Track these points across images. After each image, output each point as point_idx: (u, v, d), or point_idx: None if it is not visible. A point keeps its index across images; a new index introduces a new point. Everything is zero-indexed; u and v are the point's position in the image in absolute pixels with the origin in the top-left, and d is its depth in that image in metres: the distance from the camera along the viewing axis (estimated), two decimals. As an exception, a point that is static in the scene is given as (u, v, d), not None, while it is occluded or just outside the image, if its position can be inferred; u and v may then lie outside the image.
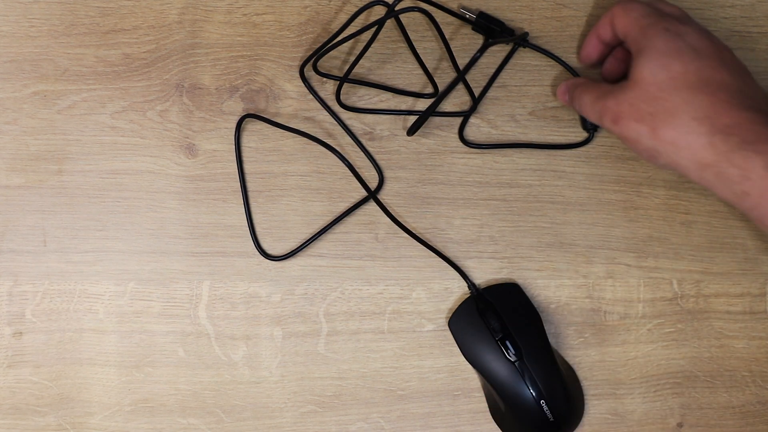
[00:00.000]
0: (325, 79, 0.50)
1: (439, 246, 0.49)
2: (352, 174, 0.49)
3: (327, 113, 0.50)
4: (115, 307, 0.49)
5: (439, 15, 0.49)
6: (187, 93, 0.50)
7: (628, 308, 0.49)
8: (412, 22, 0.50)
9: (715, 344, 0.49)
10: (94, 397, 0.49)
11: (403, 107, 0.50)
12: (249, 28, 0.50)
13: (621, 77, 0.47)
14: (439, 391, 0.49)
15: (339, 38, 0.48)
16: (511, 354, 0.46)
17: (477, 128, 0.50)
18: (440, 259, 0.49)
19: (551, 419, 0.46)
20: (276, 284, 0.49)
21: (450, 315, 0.49)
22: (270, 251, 0.49)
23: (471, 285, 0.49)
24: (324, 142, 0.49)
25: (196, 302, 0.49)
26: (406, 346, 0.49)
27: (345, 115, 0.50)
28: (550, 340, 0.48)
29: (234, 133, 0.49)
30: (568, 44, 0.50)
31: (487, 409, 0.49)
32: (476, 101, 0.49)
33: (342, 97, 0.49)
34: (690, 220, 0.50)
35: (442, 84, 0.50)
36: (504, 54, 0.50)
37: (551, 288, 0.50)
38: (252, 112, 0.50)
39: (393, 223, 0.49)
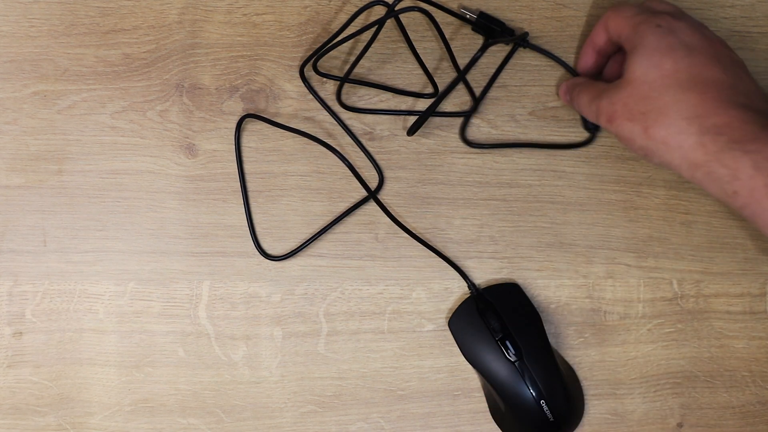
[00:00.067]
0: (325, 79, 0.50)
1: (439, 246, 0.49)
2: (352, 174, 0.49)
3: (327, 113, 0.50)
4: (115, 307, 0.49)
5: (438, 15, 0.49)
6: (187, 93, 0.50)
7: (628, 308, 0.49)
8: (412, 22, 0.50)
9: (715, 344, 0.49)
10: (94, 397, 0.49)
11: (403, 107, 0.50)
12: (249, 28, 0.50)
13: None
14: (439, 391, 0.49)
15: (339, 38, 0.48)
16: (511, 354, 0.46)
17: (477, 128, 0.50)
18: (440, 259, 0.49)
19: (551, 419, 0.46)
20: (276, 284, 0.49)
21: (450, 315, 0.49)
22: (270, 251, 0.49)
23: (471, 285, 0.49)
24: (324, 142, 0.49)
25: (196, 302, 0.49)
26: (406, 346, 0.49)
27: (345, 115, 0.50)
28: (550, 340, 0.48)
29: (234, 133, 0.49)
30: (568, 44, 0.50)
31: (487, 409, 0.49)
32: (477, 101, 0.49)
33: (342, 97, 0.49)
34: (690, 220, 0.50)
35: (442, 84, 0.50)
36: (504, 54, 0.50)
37: (551, 288, 0.50)
38: (252, 112, 0.50)
39: (393, 223, 0.49)
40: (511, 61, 0.50)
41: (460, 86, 0.50)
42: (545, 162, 0.50)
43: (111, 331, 0.49)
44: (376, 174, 0.50)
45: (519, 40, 0.49)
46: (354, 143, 0.50)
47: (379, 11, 0.50)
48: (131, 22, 0.50)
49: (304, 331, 0.49)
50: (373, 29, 0.47)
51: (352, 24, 0.49)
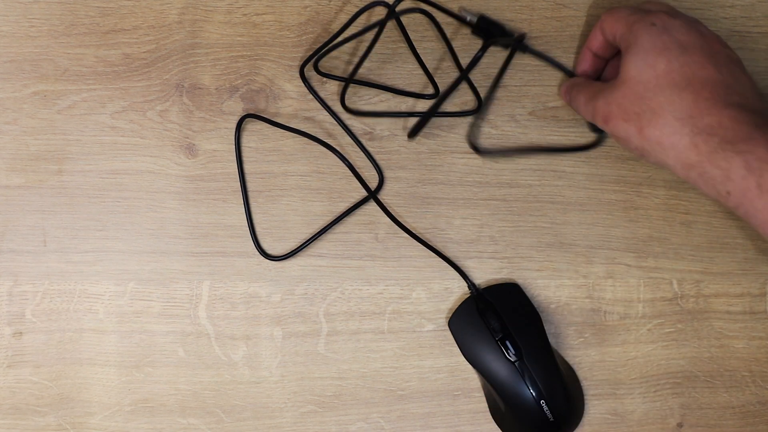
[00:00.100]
0: (325, 78, 0.50)
1: (439, 246, 0.49)
2: (352, 174, 0.49)
3: (327, 113, 0.50)
4: (115, 307, 0.49)
5: (439, 16, 0.49)
6: (187, 93, 0.50)
7: (628, 308, 0.49)
8: (412, 22, 0.50)
9: (715, 344, 0.49)
10: (94, 397, 0.49)
11: (403, 107, 0.50)
12: (249, 28, 0.50)
13: None
14: (439, 391, 0.49)
15: (339, 39, 0.48)
16: (511, 354, 0.46)
17: (477, 128, 0.50)
18: (440, 259, 0.49)
19: (551, 419, 0.46)
20: (276, 284, 0.49)
21: (450, 315, 0.49)
22: (270, 251, 0.49)
23: (471, 285, 0.49)
24: (324, 142, 0.49)
25: (196, 302, 0.49)
26: (406, 346, 0.49)
27: (345, 115, 0.50)
28: (550, 340, 0.48)
29: (234, 133, 0.49)
30: (568, 44, 0.50)
31: (487, 409, 0.49)
32: (480, 103, 0.49)
33: (344, 99, 0.49)
34: (690, 220, 0.50)
35: (442, 84, 0.50)
36: (504, 57, 0.50)
37: (551, 288, 0.50)
38: (252, 112, 0.50)
39: (393, 223, 0.49)
40: (512, 61, 0.50)
41: (461, 86, 0.50)
42: (545, 162, 0.50)
43: (111, 331, 0.49)
44: (376, 174, 0.50)
45: (516, 43, 0.49)
46: (354, 143, 0.50)
47: (379, 11, 0.50)
48: (131, 22, 0.50)
49: (304, 331, 0.49)
50: (373, 29, 0.47)
51: (353, 24, 0.49)
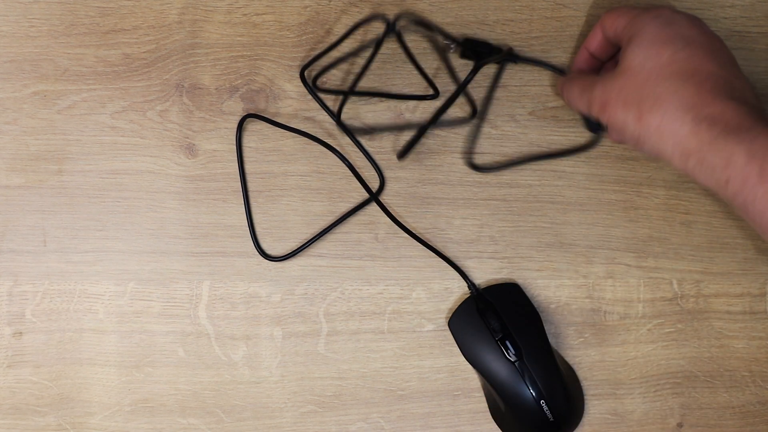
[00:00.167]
0: (325, 79, 0.50)
1: (439, 246, 0.49)
2: (352, 174, 0.49)
3: (327, 113, 0.50)
4: (115, 307, 0.49)
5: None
6: (187, 93, 0.50)
7: (628, 308, 0.49)
8: (405, 28, 0.50)
9: (715, 344, 0.49)
10: (94, 397, 0.49)
11: (403, 108, 0.50)
12: (249, 28, 0.50)
13: None
14: (439, 391, 0.49)
15: (338, 53, 0.48)
16: (511, 354, 0.46)
17: (477, 128, 0.50)
18: (440, 259, 0.49)
19: (551, 419, 0.46)
20: (276, 284, 0.49)
21: (450, 315, 0.49)
22: (270, 251, 0.49)
23: (471, 285, 0.49)
24: (324, 142, 0.49)
25: (196, 302, 0.49)
26: (406, 346, 0.49)
27: (345, 115, 0.50)
28: (550, 340, 0.48)
29: (235, 133, 0.49)
30: (568, 44, 0.50)
31: (487, 409, 0.49)
32: (474, 114, 0.49)
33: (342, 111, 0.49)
34: (690, 220, 0.50)
35: (441, 84, 0.50)
36: (494, 71, 0.50)
37: (551, 288, 0.50)
38: (252, 112, 0.50)
39: (393, 223, 0.49)
40: (507, 67, 0.50)
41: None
42: (545, 162, 0.50)
43: (111, 331, 0.49)
44: (376, 174, 0.50)
45: (506, 57, 0.49)
46: (354, 143, 0.50)
47: (367, 13, 0.50)
48: (131, 22, 0.50)
49: (304, 331, 0.49)
50: (364, 29, 0.47)
51: (352, 26, 0.49)
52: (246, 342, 0.49)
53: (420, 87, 0.50)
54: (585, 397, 0.49)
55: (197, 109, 0.50)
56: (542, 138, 0.50)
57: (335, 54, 0.49)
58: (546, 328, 0.48)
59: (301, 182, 0.50)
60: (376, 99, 0.50)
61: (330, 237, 0.50)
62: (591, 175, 0.50)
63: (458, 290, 0.50)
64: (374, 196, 0.49)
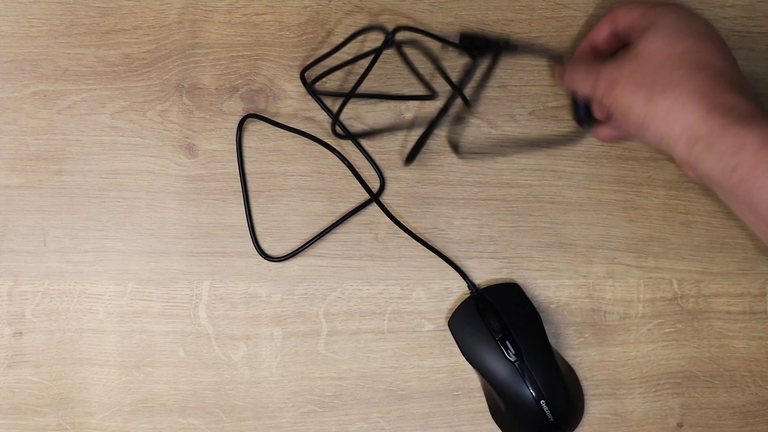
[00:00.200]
0: (325, 79, 0.50)
1: (439, 246, 0.49)
2: (352, 174, 0.49)
3: (327, 114, 0.50)
4: (115, 307, 0.49)
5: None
6: (187, 93, 0.50)
7: (628, 308, 0.49)
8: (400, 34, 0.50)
9: (715, 344, 0.49)
10: (94, 397, 0.49)
11: (403, 108, 0.50)
12: (249, 28, 0.50)
13: None
14: (439, 391, 0.49)
15: (337, 60, 0.48)
16: (511, 354, 0.46)
17: (477, 128, 0.50)
18: (440, 259, 0.49)
19: (551, 419, 0.46)
20: (276, 284, 0.49)
21: (450, 315, 0.49)
22: (270, 251, 0.49)
23: (471, 285, 0.49)
24: (324, 142, 0.49)
25: (196, 302, 0.49)
26: (406, 346, 0.49)
27: (345, 115, 0.50)
28: (550, 340, 0.48)
29: (235, 133, 0.49)
30: (568, 44, 0.50)
31: (487, 409, 0.49)
32: (467, 103, 0.49)
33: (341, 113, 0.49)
34: (690, 220, 0.50)
35: (439, 85, 0.50)
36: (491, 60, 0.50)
37: (551, 288, 0.50)
38: (252, 112, 0.50)
39: (393, 223, 0.49)
40: (511, 61, 0.50)
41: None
42: (545, 162, 0.50)
43: (111, 331, 0.49)
44: (376, 174, 0.50)
45: (504, 47, 0.49)
46: (354, 144, 0.50)
47: (360, 20, 0.50)
48: (131, 22, 0.50)
49: (304, 331, 0.49)
50: (359, 36, 0.47)
51: (349, 39, 0.49)
52: (246, 342, 0.49)
53: (420, 86, 0.50)
54: (585, 397, 0.49)
55: (197, 109, 0.50)
56: (542, 138, 0.50)
57: (334, 59, 0.49)
58: (546, 328, 0.48)
59: (301, 182, 0.50)
60: (375, 99, 0.50)
61: (330, 237, 0.50)
62: (591, 175, 0.50)
63: (458, 290, 0.50)
64: (374, 197, 0.49)
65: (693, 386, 0.49)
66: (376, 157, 0.50)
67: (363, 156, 0.50)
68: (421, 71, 0.50)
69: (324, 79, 0.49)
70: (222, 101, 0.50)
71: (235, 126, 0.49)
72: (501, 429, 0.49)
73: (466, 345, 0.48)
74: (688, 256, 0.49)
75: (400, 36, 0.49)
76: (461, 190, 0.50)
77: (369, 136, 0.50)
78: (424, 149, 0.50)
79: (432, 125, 0.48)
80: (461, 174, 0.50)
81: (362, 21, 0.50)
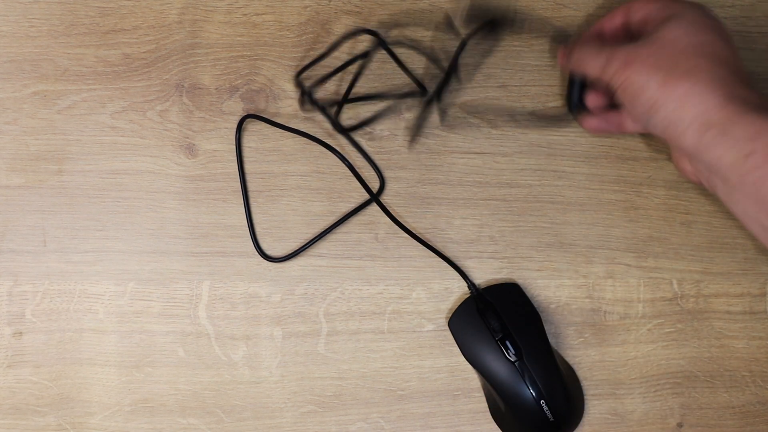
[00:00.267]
0: (324, 83, 0.50)
1: (439, 246, 0.49)
2: (352, 174, 0.49)
3: (325, 117, 0.50)
4: (115, 307, 0.49)
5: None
6: (187, 93, 0.50)
7: (628, 308, 0.49)
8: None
9: (715, 344, 0.49)
10: (94, 397, 0.49)
11: (402, 108, 0.50)
12: (249, 28, 0.50)
13: None
14: (439, 391, 0.49)
15: (329, 67, 0.48)
16: (511, 354, 0.46)
17: (477, 128, 0.50)
18: (440, 259, 0.49)
19: (551, 419, 0.46)
20: (276, 284, 0.49)
21: (450, 315, 0.49)
22: (270, 251, 0.49)
23: (471, 285, 0.49)
24: (324, 142, 0.49)
25: (196, 302, 0.49)
26: (406, 346, 0.49)
27: (344, 115, 0.50)
28: (550, 340, 0.48)
29: (235, 133, 0.49)
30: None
31: (487, 409, 0.49)
32: (456, 74, 0.49)
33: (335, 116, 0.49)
34: (690, 220, 0.50)
35: (436, 79, 0.50)
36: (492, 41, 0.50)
37: (551, 288, 0.50)
38: (252, 112, 0.50)
39: (393, 223, 0.49)
40: (511, 61, 0.50)
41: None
42: (545, 162, 0.50)
43: (111, 331, 0.49)
44: (376, 174, 0.50)
45: (510, 23, 0.49)
46: (354, 144, 0.50)
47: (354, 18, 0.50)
48: (131, 22, 0.50)
49: (304, 331, 0.49)
50: (350, 39, 0.47)
51: (339, 43, 0.49)
52: (246, 342, 0.49)
53: (418, 86, 0.50)
54: (585, 397, 0.49)
55: (197, 109, 0.50)
56: (542, 138, 0.50)
57: (332, 59, 0.49)
58: (546, 328, 0.48)
59: (301, 182, 0.50)
60: (369, 101, 0.50)
61: (330, 237, 0.50)
62: (591, 175, 0.50)
63: (458, 290, 0.50)
64: (374, 197, 0.49)
65: (693, 386, 0.49)
66: (375, 157, 0.50)
67: (363, 156, 0.50)
68: (417, 64, 0.50)
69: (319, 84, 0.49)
70: (222, 101, 0.50)
71: (235, 126, 0.49)
72: (501, 429, 0.49)
73: (466, 345, 0.48)
74: (688, 256, 0.49)
75: (394, 33, 0.49)
76: (461, 190, 0.50)
77: (369, 123, 0.49)
78: (424, 149, 0.50)
79: (429, 102, 0.48)
80: (461, 174, 0.50)
81: (362, 21, 0.50)
